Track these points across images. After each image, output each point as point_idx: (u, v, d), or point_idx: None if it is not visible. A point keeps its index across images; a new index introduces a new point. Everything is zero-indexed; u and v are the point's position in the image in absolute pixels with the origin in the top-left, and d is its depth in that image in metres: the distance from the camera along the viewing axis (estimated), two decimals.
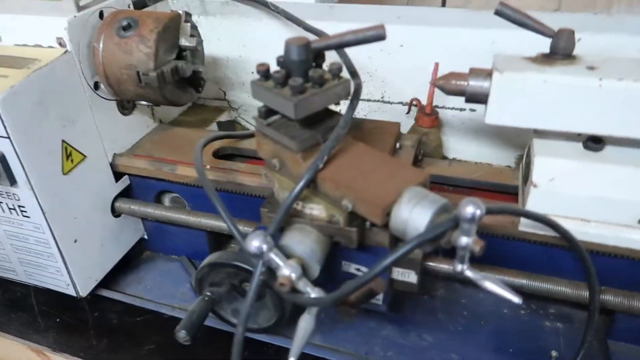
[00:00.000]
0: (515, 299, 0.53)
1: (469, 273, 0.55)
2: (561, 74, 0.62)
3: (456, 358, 0.79)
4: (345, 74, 0.64)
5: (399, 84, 0.95)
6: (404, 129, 0.95)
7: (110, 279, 0.96)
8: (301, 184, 0.60)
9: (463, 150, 0.98)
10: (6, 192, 0.76)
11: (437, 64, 0.86)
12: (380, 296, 0.74)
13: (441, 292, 0.91)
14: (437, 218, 0.55)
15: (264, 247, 0.57)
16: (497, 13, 0.68)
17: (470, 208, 0.51)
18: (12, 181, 0.73)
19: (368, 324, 0.86)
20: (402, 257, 0.53)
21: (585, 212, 0.67)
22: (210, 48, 1.05)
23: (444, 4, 1.50)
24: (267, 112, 0.65)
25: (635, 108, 0.60)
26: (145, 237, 1.03)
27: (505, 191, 0.80)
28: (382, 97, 0.98)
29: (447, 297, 0.90)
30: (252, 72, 1.06)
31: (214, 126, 1.07)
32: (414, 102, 0.93)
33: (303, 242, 0.62)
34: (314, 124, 0.64)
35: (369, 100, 0.99)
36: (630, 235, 0.66)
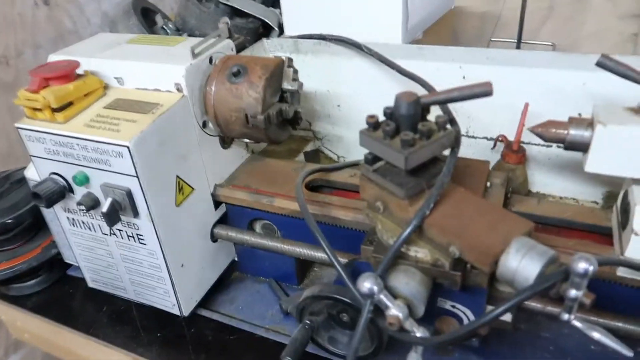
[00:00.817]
0: (626, 352, 0.55)
1: (576, 323, 0.58)
2: None
3: None
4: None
5: (485, 120, 0.98)
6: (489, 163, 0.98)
7: (205, 299, 1.03)
8: (409, 229, 0.64)
9: (548, 184, 1.00)
10: (127, 222, 0.84)
11: (527, 104, 0.88)
12: None
13: (525, 325, 0.92)
14: (546, 269, 0.58)
15: (375, 288, 0.62)
16: (599, 64, 0.69)
17: (583, 264, 0.54)
18: (136, 213, 0.81)
19: (453, 354, 0.89)
20: (512, 308, 0.56)
21: None
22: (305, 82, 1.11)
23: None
24: (373, 159, 0.70)
25: None
26: (236, 259, 1.10)
27: (596, 232, 0.81)
28: (467, 132, 1.01)
29: (531, 330, 0.91)
30: (338, 105, 1.11)
31: (301, 156, 1.13)
32: (500, 138, 0.96)
33: (409, 284, 0.66)
34: (419, 171, 0.69)
35: None
36: None
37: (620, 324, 0.73)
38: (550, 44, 1.51)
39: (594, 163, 0.68)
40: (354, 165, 0.97)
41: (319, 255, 0.91)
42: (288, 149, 1.15)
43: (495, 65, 0.91)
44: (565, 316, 0.58)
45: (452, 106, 0.99)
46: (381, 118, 0.69)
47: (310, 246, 0.93)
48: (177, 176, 0.86)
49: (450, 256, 0.64)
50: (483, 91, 0.63)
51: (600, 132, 0.66)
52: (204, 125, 0.90)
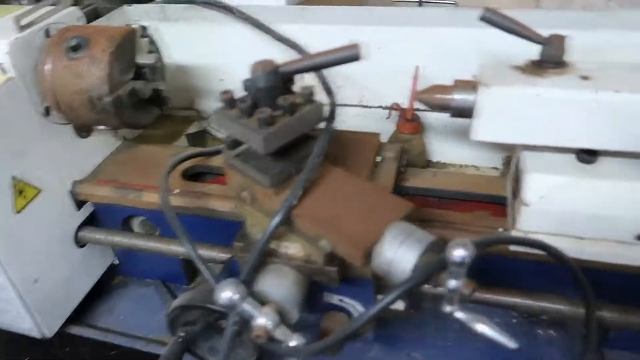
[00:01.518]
0: (510, 344, 0.49)
1: (459, 315, 0.51)
2: (554, 87, 0.56)
3: None
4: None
5: (378, 88, 0.90)
6: (386, 133, 0.90)
7: (80, 310, 0.90)
8: (275, 222, 0.55)
9: (447, 152, 0.94)
10: None
11: (417, 68, 0.80)
12: None
13: (429, 306, 0.87)
14: (424, 258, 0.51)
15: (236, 297, 0.52)
16: (483, 19, 0.62)
17: (459, 251, 0.47)
18: None
19: (354, 345, 0.82)
20: (388, 306, 0.49)
21: (579, 229, 0.62)
22: (174, 56, 0.98)
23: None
24: (234, 143, 0.60)
25: (633, 120, 0.55)
26: (116, 262, 0.97)
27: (495, 202, 0.76)
28: (361, 102, 0.92)
29: (436, 311, 0.86)
30: (221, 80, 0.99)
31: (182, 139, 1.01)
32: (394, 107, 0.88)
33: (280, 286, 0.57)
34: (287, 153, 0.59)
35: (347, 105, 0.93)
36: (627, 252, 0.62)
37: (518, 300, 0.69)
38: (452, 2, 1.44)
39: (480, 130, 0.61)
40: None
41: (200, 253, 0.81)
42: (169, 132, 1.02)
43: (384, 25, 0.82)
44: (448, 308, 0.51)
45: (343, 74, 0.90)
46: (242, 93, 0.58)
47: (205, 245, 0.82)
48: (13, 177, 0.71)
49: (322, 251, 0.55)
50: (350, 54, 0.54)
51: (484, 94, 0.58)
52: (47, 112, 0.75)
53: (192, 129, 1.03)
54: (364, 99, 0.92)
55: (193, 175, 0.88)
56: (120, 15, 0.91)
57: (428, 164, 0.93)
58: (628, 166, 0.60)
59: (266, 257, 0.59)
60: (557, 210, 0.62)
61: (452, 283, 0.49)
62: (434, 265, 0.48)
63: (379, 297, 0.67)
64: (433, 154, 0.95)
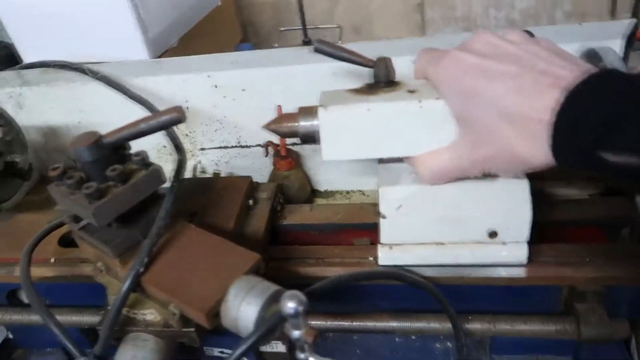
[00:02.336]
0: None
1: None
2: (382, 101, 0.59)
3: None
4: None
5: (252, 127, 0.90)
6: (269, 171, 0.91)
7: None
8: (122, 293, 0.54)
9: (333, 181, 0.95)
10: None
11: (279, 107, 0.82)
12: None
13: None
14: (268, 310, 0.51)
15: None
16: (316, 50, 0.64)
17: (291, 304, 0.47)
18: None
19: None
20: None
21: (438, 235, 0.65)
22: (45, 118, 0.95)
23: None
24: (75, 217, 0.58)
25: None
26: (10, 336, 0.93)
27: (367, 229, 0.78)
28: (239, 142, 0.93)
29: (339, 336, 0.87)
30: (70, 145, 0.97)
31: None
32: (268, 144, 0.89)
33: (139, 356, 0.56)
34: (134, 219, 0.58)
35: (226, 147, 0.93)
36: (483, 251, 0.65)
37: (395, 324, 0.70)
38: (336, 26, 1.48)
39: (328, 150, 0.62)
40: None
41: (88, 319, 0.78)
42: (47, 197, 0.98)
43: (242, 68, 0.83)
44: (301, 356, 0.52)
45: (216, 118, 0.91)
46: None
47: (83, 311, 0.79)
48: None
49: (172, 315, 0.55)
50: (172, 119, 0.54)
51: (323, 115, 0.59)
52: None
53: None
54: (242, 140, 0.92)
55: (73, 240, 0.85)
56: None
57: (312, 196, 0.94)
58: None
59: (125, 327, 0.58)
60: (413, 219, 0.64)
61: (295, 334, 0.50)
62: (271, 321, 0.49)
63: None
64: (320, 183, 0.96)
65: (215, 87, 0.86)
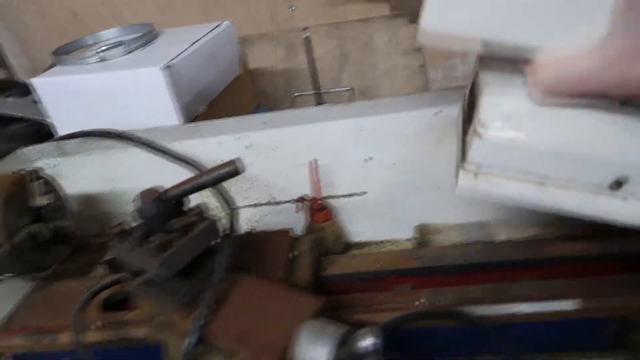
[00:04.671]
0: None
1: None
2: None
3: None
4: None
5: (284, 184, 0.93)
6: (301, 225, 0.93)
7: None
8: (187, 346, 0.54)
9: (364, 232, 0.97)
10: None
11: (310, 162, 0.85)
12: None
13: None
14: (340, 352, 0.51)
15: None
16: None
17: (369, 340, 0.48)
18: None
19: None
20: None
21: (542, 170, 0.49)
22: (80, 186, 0.98)
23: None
24: (136, 272, 0.59)
25: None
26: None
27: (408, 275, 0.79)
28: (271, 199, 0.95)
29: None
30: (133, 201, 0.99)
31: (101, 268, 0.98)
32: (301, 199, 0.91)
33: None
34: (192, 271, 0.59)
35: (258, 204, 0.95)
36: (596, 203, 0.48)
37: None
38: (349, 88, 1.56)
39: (431, 13, 0.45)
40: None
41: None
42: (84, 263, 0.98)
43: (273, 128, 0.87)
44: None
45: (247, 178, 0.94)
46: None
47: None
48: None
49: None
50: (231, 170, 0.57)
51: None
52: None
53: (108, 256, 1.01)
54: (273, 196, 0.95)
55: (115, 303, 0.85)
56: (14, 159, 0.91)
57: (346, 247, 0.95)
58: None
59: None
60: (517, 143, 0.47)
61: None
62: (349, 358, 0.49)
63: None
64: (352, 235, 0.98)
65: (246, 147, 0.90)
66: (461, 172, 0.51)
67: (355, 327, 0.52)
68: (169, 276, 0.54)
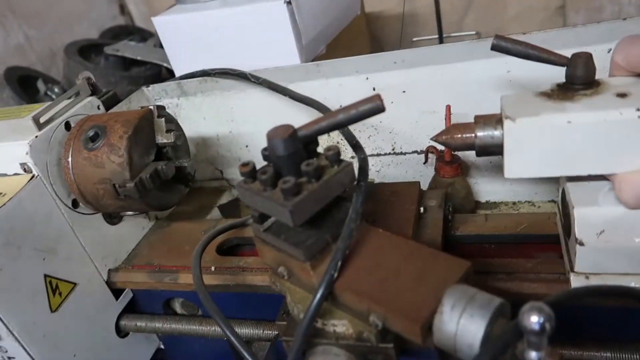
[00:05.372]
0: None
1: None
2: (587, 110, 0.49)
3: None
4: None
5: (410, 133, 0.84)
6: (425, 179, 0.84)
7: None
8: (316, 300, 0.49)
9: (497, 191, 0.86)
10: None
11: (448, 107, 0.75)
12: None
13: None
14: (494, 326, 0.43)
15: None
16: (494, 48, 0.56)
17: (535, 317, 0.39)
18: None
19: None
20: None
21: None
22: (198, 128, 0.97)
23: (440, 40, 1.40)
24: (261, 216, 0.55)
25: None
26: (162, 346, 0.93)
27: (554, 241, 0.67)
28: (394, 149, 0.87)
29: None
30: (247, 146, 0.97)
31: (215, 212, 0.98)
32: (431, 150, 0.82)
33: None
34: (320, 221, 0.54)
35: (379, 154, 0.88)
36: None
37: (608, 354, 0.59)
38: (474, 32, 1.40)
39: (513, 167, 0.53)
40: None
41: (243, 331, 0.75)
42: (200, 206, 0.99)
43: (405, 68, 0.78)
44: None
45: (370, 124, 0.86)
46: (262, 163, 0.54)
47: (234, 322, 0.76)
48: (46, 275, 0.69)
49: (373, 327, 0.48)
50: (373, 107, 0.49)
51: (510, 129, 0.51)
52: (75, 205, 0.74)
53: (224, 199, 1.00)
54: (396, 146, 0.87)
55: (229, 249, 0.84)
56: (141, 97, 0.91)
57: (476, 206, 0.85)
58: None
59: (313, 338, 0.53)
60: (617, 246, 0.52)
61: (532, 355, 0.41)
62: (507, 336, 0.41)
63: None
64: (481, 194, 0.87)
65: (374, 89, 0.81)
66: (572, 277, 0.56)
67: (508, 299, 0.44)
68: (300, 222, 0.49)
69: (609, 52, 0.68)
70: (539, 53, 0.55)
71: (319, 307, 0.49)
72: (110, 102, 0.82)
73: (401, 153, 0.87)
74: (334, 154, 0.51)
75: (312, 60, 0.93)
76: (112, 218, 0.81)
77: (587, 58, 0.53)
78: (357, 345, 0.51)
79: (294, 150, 0.50)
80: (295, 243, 0.52)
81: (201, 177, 1.04)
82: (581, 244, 0.53)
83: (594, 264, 0.54)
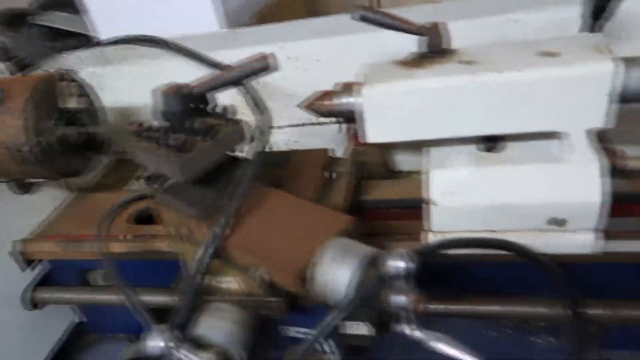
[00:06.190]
0: None
1: (418, 335, 0.45)
2: (432, 77, 0.53)
3: None
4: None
5: None
6: (342, 150, 0.86)
7: None
8: (203, 256, 0.50)
9: (409, 161, 0.88)
10: None
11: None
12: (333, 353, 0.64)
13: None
14: (365, 274, 0.45)
15: (168, 344, 0.47)
16: (361, 18, 0.58)
17: (396, 262, 0.42)
18: None
19: None
20: (326, 332, 0.43)
21: (491, 222, 0.58)
22: (124, 97, 0.94)
23: None
24: (153, 176, 0.55)
25: (522, 99, 0.51)
26: (85, 319, 0.92)
27: None
28: (310, 120, 0.88)
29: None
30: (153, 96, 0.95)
31: (141, 183, 0.96)
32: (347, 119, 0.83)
33: (220, 327, 0.52)
34: (217, 181, 0.54)
35: (297, 125, 0.89)
36: (541, 239, 0.57)
37: (497, 307, 0.62)
38: None
39: (373, 130, 0.56)
40: None
41: (163, 299, 0.75)
42: (122, 176, 0.97)
43: (318, 38, 0.79)
44: (407, 329, 0.46)
45: (286, 93, 0.87)
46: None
47: (157, 291, 0.76)
48: None
49: (260, 282, 0.50)
50: (260, 66, 0.50)
51: (366, 95, 0.54)
52: None
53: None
54: (314, 117, 0.87)
55: (146, 218, 0.83)
56: (51, 64, 0.88)
57: (391, 174, 0.88)
58: (530, 148, 0.57)
59: (204, 296, 0.54)
60: (466, 205, 0.57)
61: (397, 299, 0.43)
62: (374, 282, 0.43)
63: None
64: (396, 163, 0.90)
65: (289, 58, 0.82)
66: (429, 236, 0.59)
67: (385, 250, 0.46)
68: (188, 178, 0.49)
69: None
70: (397, 23, 0.57)
71: (208, 262, 0.50)
72: (18, 68, 0.79)
73: (319, 123, 0.88)
74: (224, 114, 0.52)
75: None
76: (21, 187, 0.79)
77: (441, 28, 0.56)
78: (247, 300, 0.53)
79: (184, 107, 0.50)
80: (190, 202, 0.53)
81: (122, 148, 1.02)
82: (434, 203, 0.57)
83: (446, 222, 0.59)
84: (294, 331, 0.61)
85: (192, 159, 0.49)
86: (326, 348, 0.62)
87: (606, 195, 0.54)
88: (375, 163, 0.83)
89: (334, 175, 0.73)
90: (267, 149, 0.89)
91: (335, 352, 0.63)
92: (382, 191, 0.75)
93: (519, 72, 0.50)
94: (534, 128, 0.54)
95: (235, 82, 0.51)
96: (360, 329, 0.60)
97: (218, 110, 0.53)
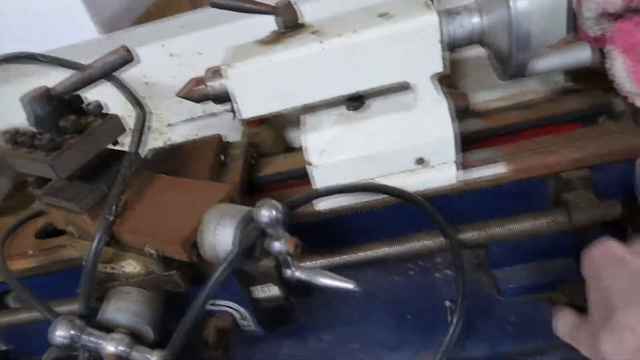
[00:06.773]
0: (350, 286, 0.49)
1: (299, 274, 0.50)
2: (285, 50, 0.58)
3: (357, 347, 0.75)
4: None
5: None
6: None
7: None
8: (95, 245, 0.52)
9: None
10: None
11: None
12: (250, 321, 0.69)
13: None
14: (244, 229, 0.50)
15: (72, 332, 0.49)
16: (212, 5, 0.63)
17: (265, 212, 0.46)
18: None
19: (264, 346, 0.80)
20: (216, 287, 0.47)
21: (367, 172, 0.65)
22: (12, 120, 0.93)
23: None
24: (38, 181, 0.57)
25: (366, 58, 0.58)
26: (11, 347, 0.90)
27: None
28: (205, 112, 0.91)
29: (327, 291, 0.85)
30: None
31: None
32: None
33: (123, 308, 0.54)
34: (99, 175, 0.57)
35: (193, 118, 0.92)
36: (413, 179, 0.65)
37: (387, 249, 0.69)
38: None
39: (244, 107, 0.61)
40: None
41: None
42: (24, 198, 0.96)
43: (193, 31, 0.82)
44: (288, 272, 0.51)
45: (174, 90, 0.89)
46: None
47: (69, 301, 0.77)
48: None
49: (152, 257, 0.53)
50: (121, 58, 0.53)
51: (231, 75, 0.59)
52: None
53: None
54: (207, 108, 0.91)
55: (52, 232, 0.83)
56: None
57: (287, 151, 0.92)
58: (390, 102, 0.65)
59: (106, 284, 0.57)
60: (340, 160, 0.64)
61: (275, 245, 0.48)
62: (253, 233, 0.47)
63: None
64: (294, 140, 0.95)
65: (171, 55, 0.84)
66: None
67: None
68: (65, 175, 0.51)
69: None
70: (250, 6, 0.62)
71: (99, 249, 0.52)
72: None
73: (213, 114, 0.91)
74: (94, 107, 0.54)
75: None
76: None
77: (287, 5, 0.61)
78: (146, 279, 0.56)
79: (49, 109, 0.52)
80: (71, 198, 0.55)
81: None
82: (310, 164, 0.63)
83: (326, 179, 0.65)
84: (209, 304, 0.64)
85: (63, 157, 0.51)
86: (238, 315, 0.66)
87: (456, 129, 0.61)
88: (271, 143, 0.87)
89: (229, 159, 0.77)
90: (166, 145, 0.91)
91: (248, 318, 0.67)
92: (276, 165, 0.79)
93: (356, 34, 0.56)
94: (384, 82, 0.61)
95: (99, 78, 0.53)
96: (272, 290, 0.65)
97: (92, 108, 0.55)
